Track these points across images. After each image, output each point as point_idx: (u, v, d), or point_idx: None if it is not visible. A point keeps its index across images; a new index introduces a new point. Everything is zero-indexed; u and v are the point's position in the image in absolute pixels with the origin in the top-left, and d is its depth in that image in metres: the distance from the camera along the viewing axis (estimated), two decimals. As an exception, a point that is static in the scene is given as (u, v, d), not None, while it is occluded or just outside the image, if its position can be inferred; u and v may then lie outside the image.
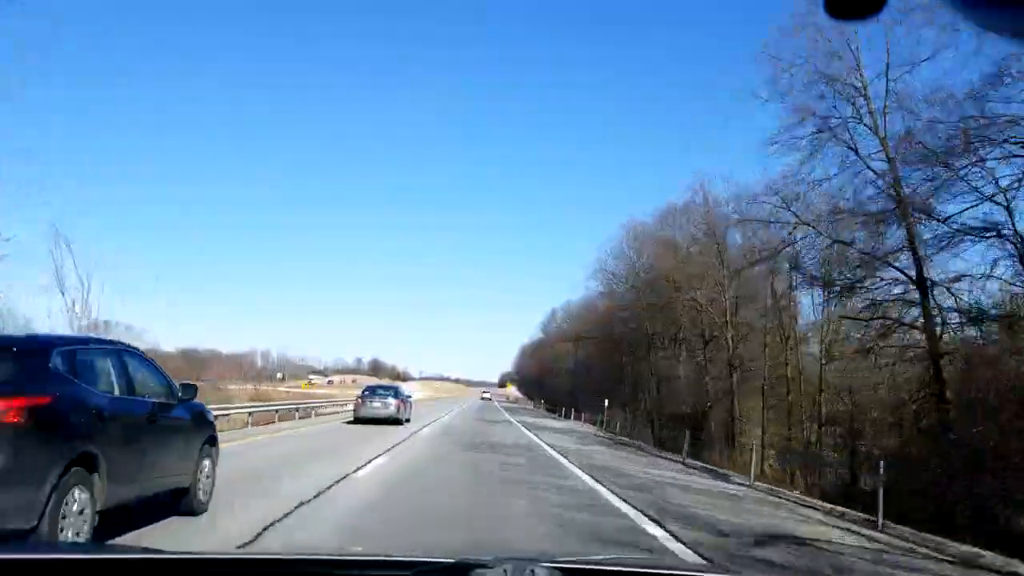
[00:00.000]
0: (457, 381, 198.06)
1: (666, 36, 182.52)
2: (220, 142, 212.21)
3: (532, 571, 1.64)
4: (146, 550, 2.36)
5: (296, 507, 7.78)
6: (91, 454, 5.12)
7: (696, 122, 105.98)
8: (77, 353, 5.53)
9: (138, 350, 6.93)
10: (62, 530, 4.78)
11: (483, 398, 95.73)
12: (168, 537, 6.06)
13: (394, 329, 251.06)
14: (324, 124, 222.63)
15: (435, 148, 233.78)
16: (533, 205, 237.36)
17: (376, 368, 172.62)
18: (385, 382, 38.21)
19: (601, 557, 2.34)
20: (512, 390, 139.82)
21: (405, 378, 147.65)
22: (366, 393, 26.48)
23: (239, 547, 5.47)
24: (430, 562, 1.79)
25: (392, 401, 25.43)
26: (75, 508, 4.94)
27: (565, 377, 70.28)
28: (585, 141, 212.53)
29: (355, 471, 11.44)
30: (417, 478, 11.56)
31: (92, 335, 7.28)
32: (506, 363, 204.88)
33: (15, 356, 4.98)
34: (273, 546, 5.98)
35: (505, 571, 1.62)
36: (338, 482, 10.04)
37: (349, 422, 25.08)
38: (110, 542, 4.66)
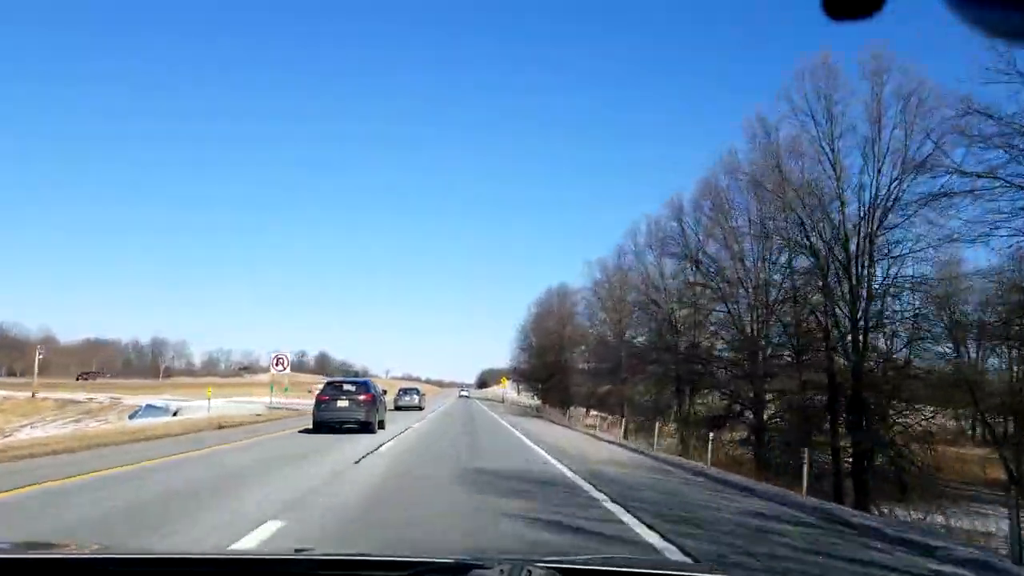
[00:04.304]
0: (428, 381, 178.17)
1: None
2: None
3: (529, 571, 1.67)
4: (146, 550, 2.61)
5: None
6: (377, 408, 22.18)
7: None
8: (370, 382, 22.71)
9: (370, 379, 24.01)
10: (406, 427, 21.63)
11: (461, 396, 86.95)
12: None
13: (356, 329, 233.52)
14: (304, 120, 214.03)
15: (419, 148, 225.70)
16: (508, 207, 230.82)
17: (324, 365, 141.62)
18: (410, 385, 55.67)
19: (599, 557, 2.28)
20: (506, 389, 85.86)
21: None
22: (400, 392, 44.78)
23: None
24: (429, 562, 1.84)
25: (416, 397, 44.00)
26: (378, 419, 21.87)
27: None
28: (568, 138, 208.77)
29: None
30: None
31: (369, 379, 24.24)
32: (480, 366, 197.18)
33: (364, 384, 22.19)
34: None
35: (503, 571, 1.66)
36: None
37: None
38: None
